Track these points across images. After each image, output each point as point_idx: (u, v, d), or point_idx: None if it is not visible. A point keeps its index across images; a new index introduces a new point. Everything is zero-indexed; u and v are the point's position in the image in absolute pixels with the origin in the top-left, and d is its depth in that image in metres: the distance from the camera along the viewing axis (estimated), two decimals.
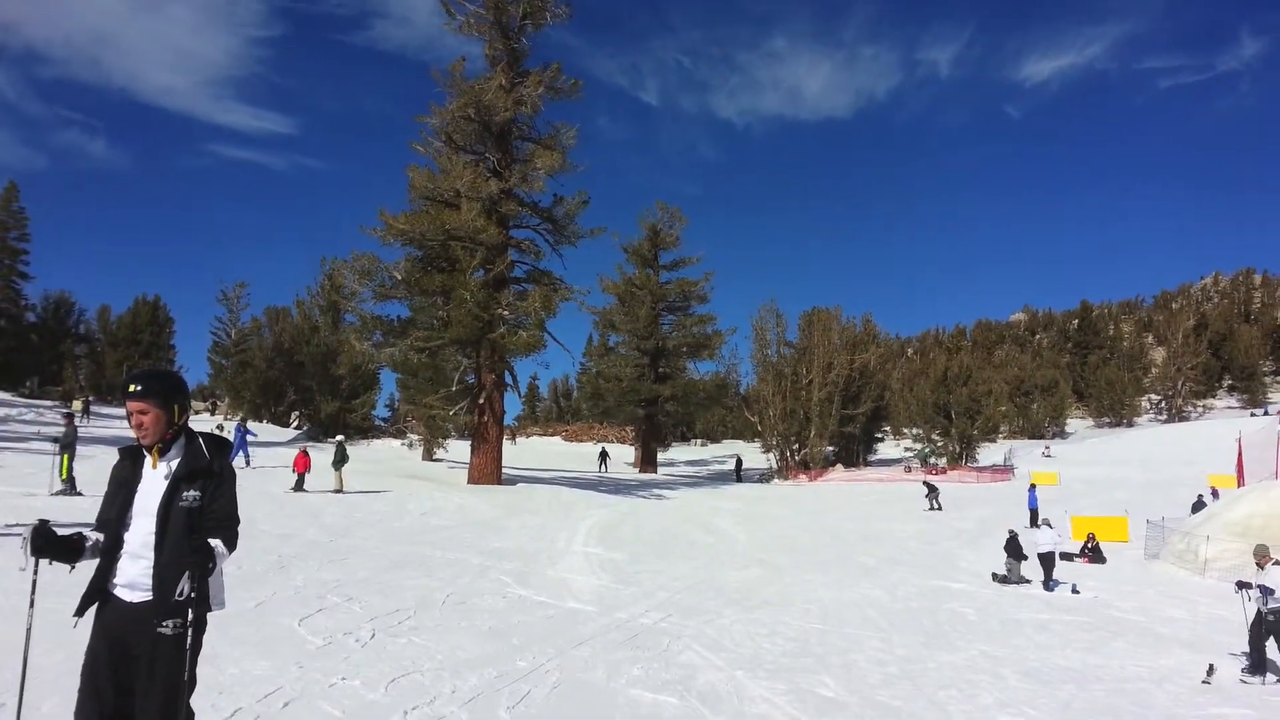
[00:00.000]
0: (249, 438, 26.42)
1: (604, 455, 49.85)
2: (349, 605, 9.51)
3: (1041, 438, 78.79)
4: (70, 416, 18.96)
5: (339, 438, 25.13)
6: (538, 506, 23.41)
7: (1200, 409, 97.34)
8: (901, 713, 7.31)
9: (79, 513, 12.22)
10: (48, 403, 45.72)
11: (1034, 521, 24.86)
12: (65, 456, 16.09)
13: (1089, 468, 47.78)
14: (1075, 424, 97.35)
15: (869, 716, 7.12)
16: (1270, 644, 9.68)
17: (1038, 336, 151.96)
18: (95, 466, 19.26)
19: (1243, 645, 10.17)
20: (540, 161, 29.19)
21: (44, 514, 3.63)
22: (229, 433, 25.62)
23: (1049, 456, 57.23)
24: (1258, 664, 9.60)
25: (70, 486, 15.88)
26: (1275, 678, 9.59)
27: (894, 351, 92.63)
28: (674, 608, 11.38)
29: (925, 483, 33.39)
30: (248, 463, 25.17)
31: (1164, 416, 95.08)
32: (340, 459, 22.18)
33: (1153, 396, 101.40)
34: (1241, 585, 10.24)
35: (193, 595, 3.17)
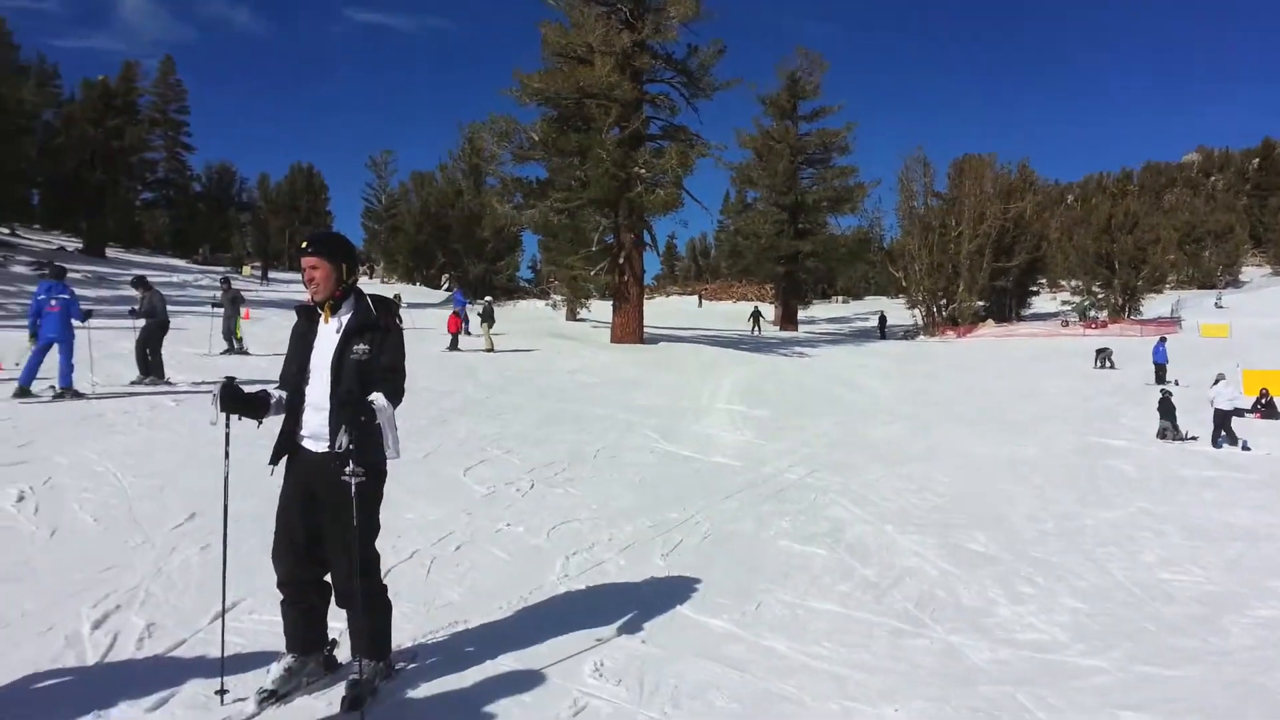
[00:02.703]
0: (471, 307, 26.44)
1: (757, 315, 46.24)
2: (508, 457, 10.01)
3: (1213, 287, 73.21)
4: (227, 281, 19.82)
5: (487, 299, 25.92)
6: (680, 364, 23.73)
7: None
8: (1058, 568, 7.17)
9: (255, 370, 13.18)
10: (221, 269, 49.03)
11: (1159, 378, 23.44)
12: (233, 319, 17.14)
13: (1265, 319, 44.12)
14: (1251, 272, 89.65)
15: (1023, 571, 7.03)
16: None
17: (1212, 179, 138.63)
18: (267, 328, 20.70)
19: None
20: (673, 9, 28.12)
21: (227, 372, 3.89)
22: (405, 299, 26.45)
23: (1221, 307, 53.27)
24: None
25: (233, 347, 16.94)
26: None
27: (1053, 199, 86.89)
28: (819, 463, 11.42)
29: (1098, 350, 31.17)
30: (469, 332, 25.25)
31: None
32: (488, 318, 22.97)
33: None
34: None
35: (350, 446, 3.31)
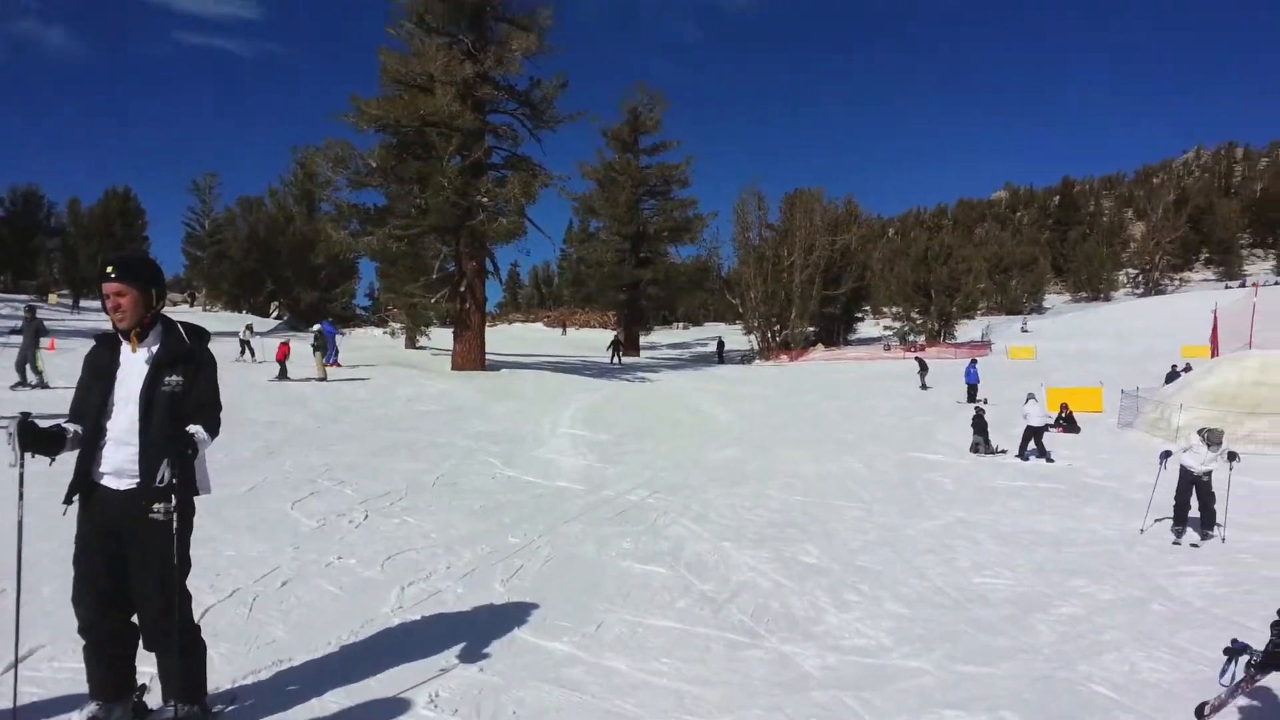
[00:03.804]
0: (338, 337, 26.61)
1: (618, 344, 44.49)
2: (340, 488, 9.65)
3: (1020, 313, 79.65)
4: (32, 310, 18.26)
5: (317, 326, 25.02)
6: (522, 391, 23.59)
7: (1177, 283, 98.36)
8: (882, 576, 7.58)
9: (59, 404, 12.16)
10: (22, 297, 45.13)
11: (971, 396, 25.30)
12: (32, 350, 15.73)
13: (1066, 342, 48.42)
14: (1053, 299, 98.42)
15: (851, 580, 7.38)
16: (1193, 500, 10.07)
17: (1019, 214, 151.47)
18: (74, 360, 19.17)
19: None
20: (516, 43, 28.13)
21: (26, 407, 3.60)
22: (250, 335, 25.58)
23: (1027, 331, 58.08)
24: (1180, 518, 10.01)
25: (25, 380, 15.53)
26: (1192, 529, 9.98)
27: (876, 232, 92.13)
28: (659, 484, 11.62)
29: (918, 359, 33.51)
30: (338, 363, 25.04)
31: (1141, 291, 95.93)
32: (320, 345, 22.15)
33: (1130, 271, 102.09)
34: (1164, 456, 10.47)
35: (174, 481, 3.17)
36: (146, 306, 3.37)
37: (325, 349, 22.31)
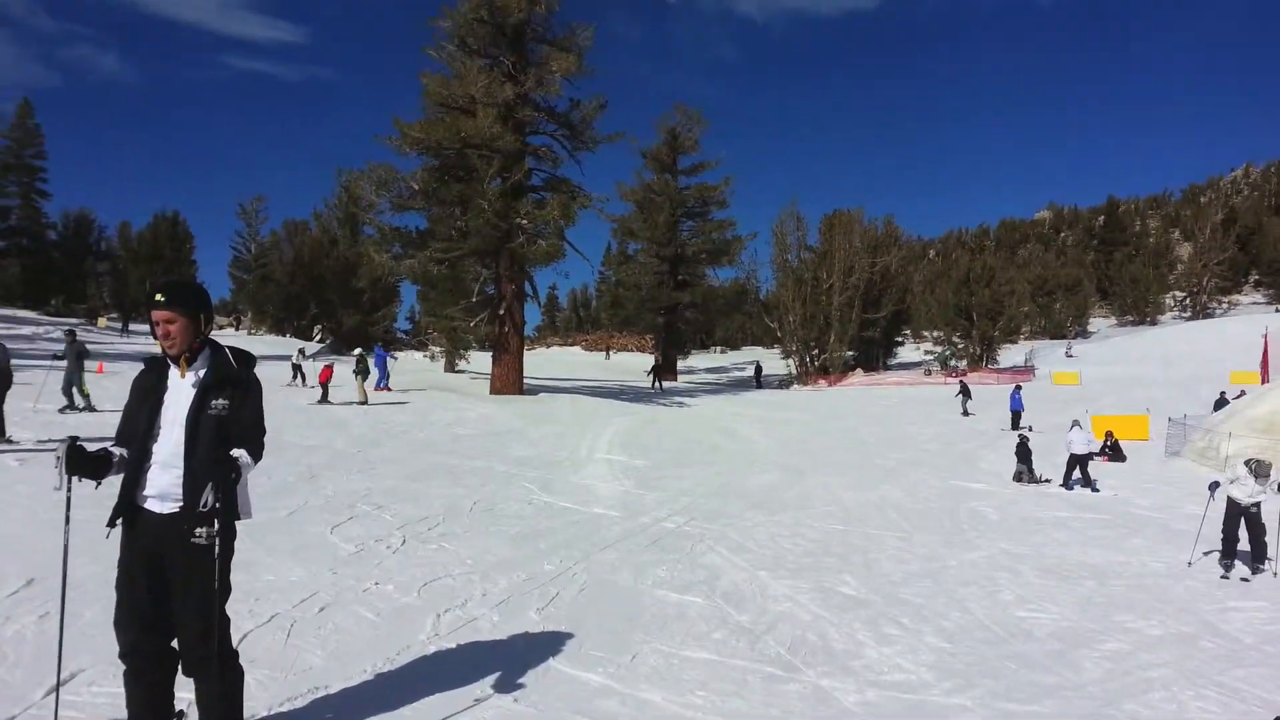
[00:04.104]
0: (390, 361, 27.14)
1: (657, 369, 43.72)
2: (379, 513, 9.72)
3: (1064, 337, 78.37)
4: (72, 333, 18.14)
5: (358, 350, 25.33)
6: (559, 415, 23.65)
7: (1225, 305, 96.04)
8: (923, 609, 7.44)
9: (104, 428, 12.38)
10: (74, 320, 46.22)
11: (1015, 424, 24.84)
12: (77, 374, 15.96)
13: (1111, 367, 47.55)
14: (1098, 323, 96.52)
15: (891, 613, 7.26)
16: (1242, 532, 9.79)
17: (1063, 235, 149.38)
18: (124, 383, 19.58)
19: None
20: (556, 64, 28.50)
21: (74, 431, 3.67)
22: (302, 359, 26.09)
23: (1071, 356, 57.07)
24: (1228, 551, 9.73)
25: (73, 403, 15.74)
26: (1241, 563, 9.69)
27: (916, 253, 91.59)
28: (697, 512, 11.55)
29: (961, 383, 33.09)
30: (389, 387, 25.62)
31: (1188, 314, 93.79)
32: (362, 370, 22.40)
33: (1177, 294, 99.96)
34: (1213, 486, 10.22)
35: (217, 505, 3.20)
36: (195, 332, 3.42)
37: (366, 373, 22.55)
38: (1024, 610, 7.64)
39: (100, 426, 12.91)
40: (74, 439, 3.29)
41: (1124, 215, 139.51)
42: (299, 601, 6.19)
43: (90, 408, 15.74)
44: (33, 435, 12.43)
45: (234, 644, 3.70)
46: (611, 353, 70.42)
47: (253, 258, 63.93)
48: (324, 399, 20.89)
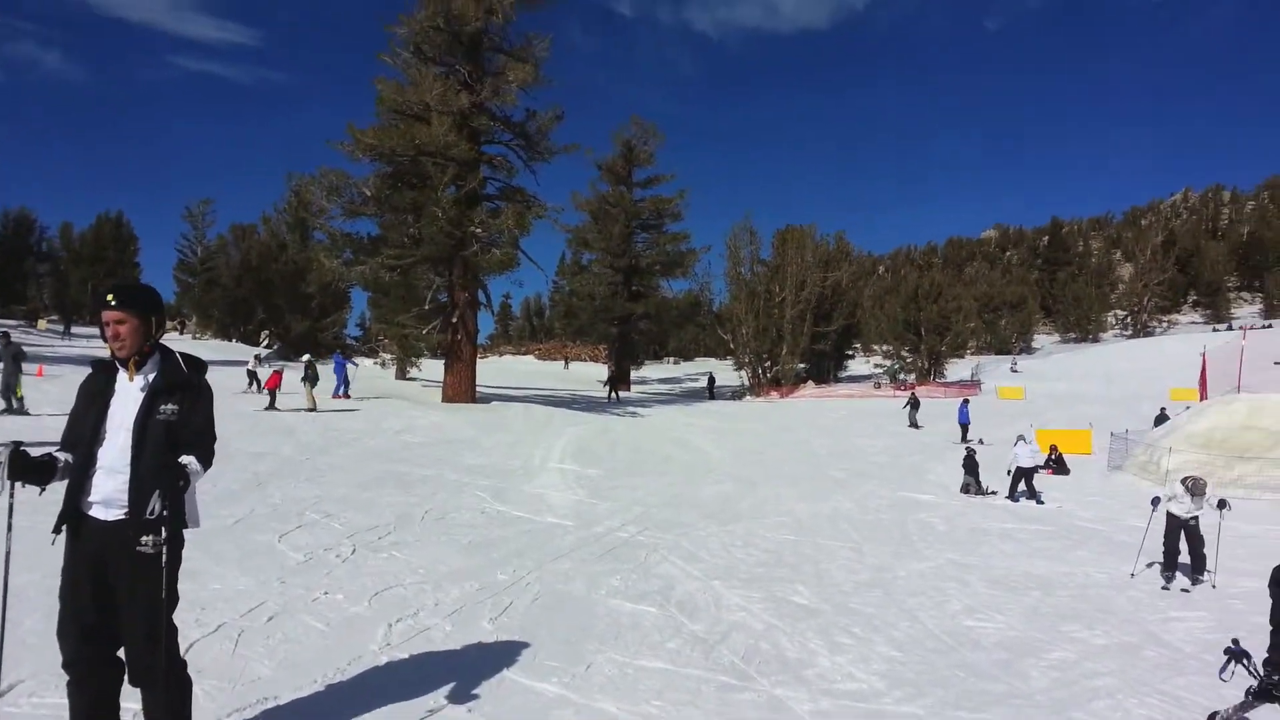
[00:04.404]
0: (350, 368, 26.67)
1: (614, 380, 42.44)
2: (328, 522, 9.57)
3: (1009, 353, 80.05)
4: (6, 336, 17.36)
5: (306, 356, 24.88)
6: (512, 424, 23.51)
7: (1165, 324, 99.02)
8: (874, 619, 7.53)
9: (45, 432, 12.04)
10: (12, 322, 44.89)
11: (963, 437, 25.38)
12: (14, 376, 15.49)
13: (1055, 383, 48.68)
14: (1042, 340, 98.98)
15: (843, 623, 7.33)
16: (1183, 545, 10.06)
17: (1008, 253, 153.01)
18: (64, 386, 19.02)
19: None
20: (512, 74, 28.42)
21: (12, 435, 3.56)
22: (258, 365, 25.52)
23: (1016, 371, 58.32)
24: (1170, 563, 9.98)
25: (11, 406, 15.28)
26: (1182, 574, 9.95)
27: (866, 269, 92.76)
28: (650, 521, 11.56)
29: (911, 394, 33.68)
30: (348, 395, 25.34)
31: (1129, 332, 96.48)
32: (310, 376, 22.04)
33: (1119, 312, 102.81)
34: (1155, 502, 10.49)
35: (164, 513, 3.13)
36: (146, 335, 3.35)
37: (315, 380, 22.18)
38: (972, 620, 7.76)
39: (38, 430, 12.52)
40: (17, 444, 3.19)
41: (1067, 236, 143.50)
42: (247, 611, 6.07)
43: (23, 410, 15.28)
44: None
45: (181, 653, 3.62)
46: (570, 362, 70.26)
47: (199, 261, 62.59)
48: (271, 405, 20.53)
